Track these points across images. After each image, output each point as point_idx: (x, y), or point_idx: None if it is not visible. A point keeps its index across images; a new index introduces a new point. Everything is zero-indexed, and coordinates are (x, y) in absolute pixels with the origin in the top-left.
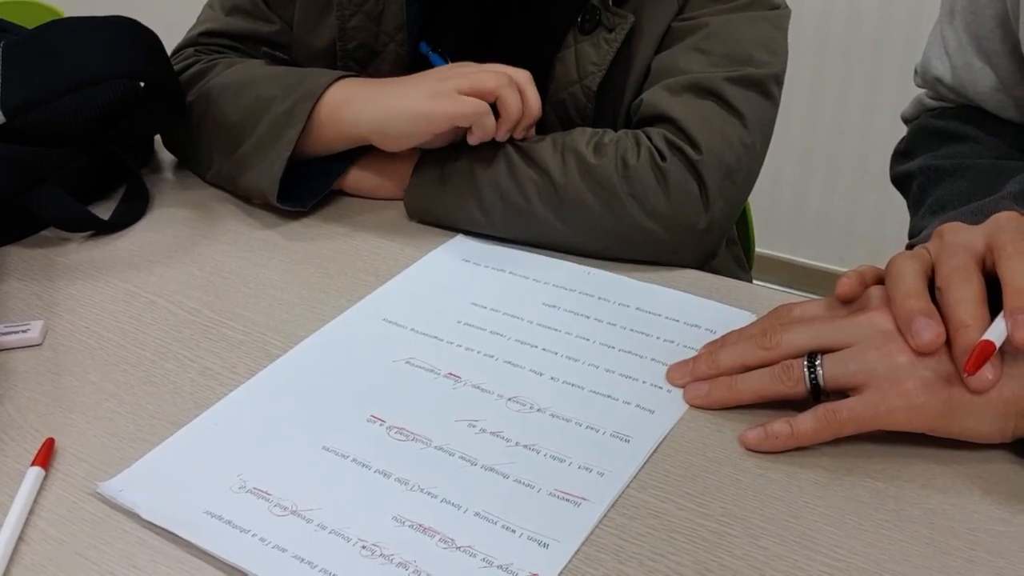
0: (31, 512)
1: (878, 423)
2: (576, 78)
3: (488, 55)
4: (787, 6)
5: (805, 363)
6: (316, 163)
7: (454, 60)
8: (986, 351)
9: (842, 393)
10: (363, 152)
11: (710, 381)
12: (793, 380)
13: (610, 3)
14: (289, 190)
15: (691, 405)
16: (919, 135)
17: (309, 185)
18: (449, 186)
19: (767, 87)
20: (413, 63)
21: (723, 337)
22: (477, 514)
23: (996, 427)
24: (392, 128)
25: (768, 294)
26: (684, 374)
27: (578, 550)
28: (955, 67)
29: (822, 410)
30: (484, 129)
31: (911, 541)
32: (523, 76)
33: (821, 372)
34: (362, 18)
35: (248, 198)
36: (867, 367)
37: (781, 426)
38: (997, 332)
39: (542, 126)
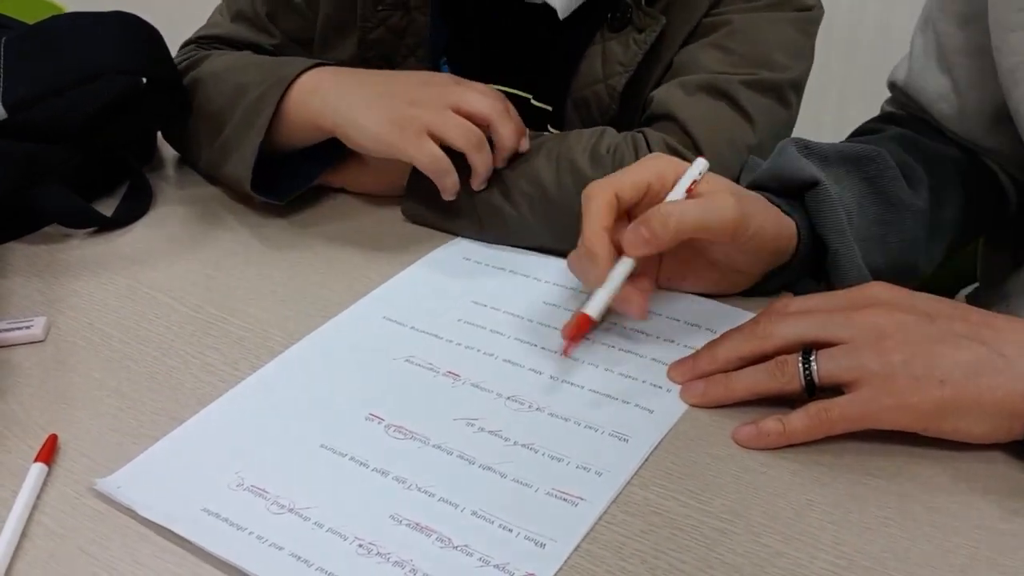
0: (34, 508)
1: (869, 422)
2: (601, 77)
3: (515, 59)
4: (821, 6)
5: (800, 359)
6: (302, 157)
7: (479, 68)
8: (582, 324)
9: (837, 389)
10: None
11: (705, 380)
12: (787, 376)
13: (643, 2)
14: (275, 183)
15: (689, 404)
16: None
17: (295, 181)
18: (442, 204)
19: (783, 93)
20: None
21: (723, 334)
22: (474, 513)
23: (988, 428)
24: (353, 136)
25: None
26: (685, 371)
27: (575, 550)
28: (912, 70)
29: (813, 408)
30: (446, 188)
31: (913, 539)
32: (502, 128)
33: (815, 368)
34: (384, 31)
35: (241, 196)
36: (861, 364)
37: (773, 424)
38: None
39: (561, 123)
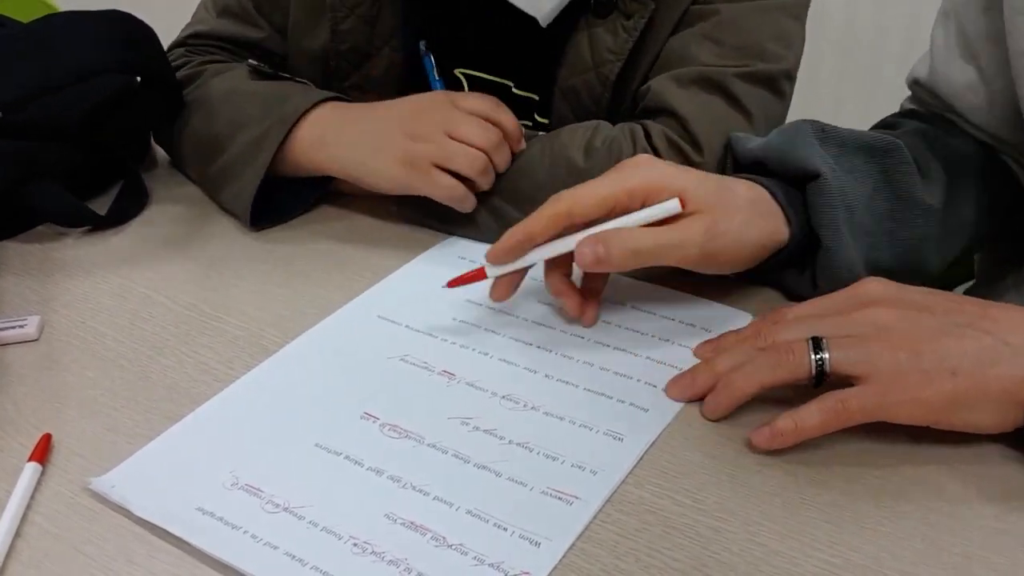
0: (28, 508)
1: (883, 415)
2: (591, 65)
3: (495, 46)
4: None
5: (809, 345)
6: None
7: (457, 58)
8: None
9: (840, 383)
10: None
11: (715, 392)
12: (795, 363)
13: None
14: (269, 197)
15: (711, 419)
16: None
17: (290, 196)
18: (441, 211)
19: (778, 84)
20: (408, 67)
21: (718, 340)
22: (469, 512)
23: (998, 418)
24: (367, 181)
25: (765, 294)
26: (684, 388)
27: (570, 548)
28: (935, 63)
29: (828, 401)
30: (465, 210)
31: (907, 538)
32: (497, 158)
33: (828, 356)
34: (355, 20)
35: None
36: (870, 358)
37: (785, 422)
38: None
39: (549, 112)
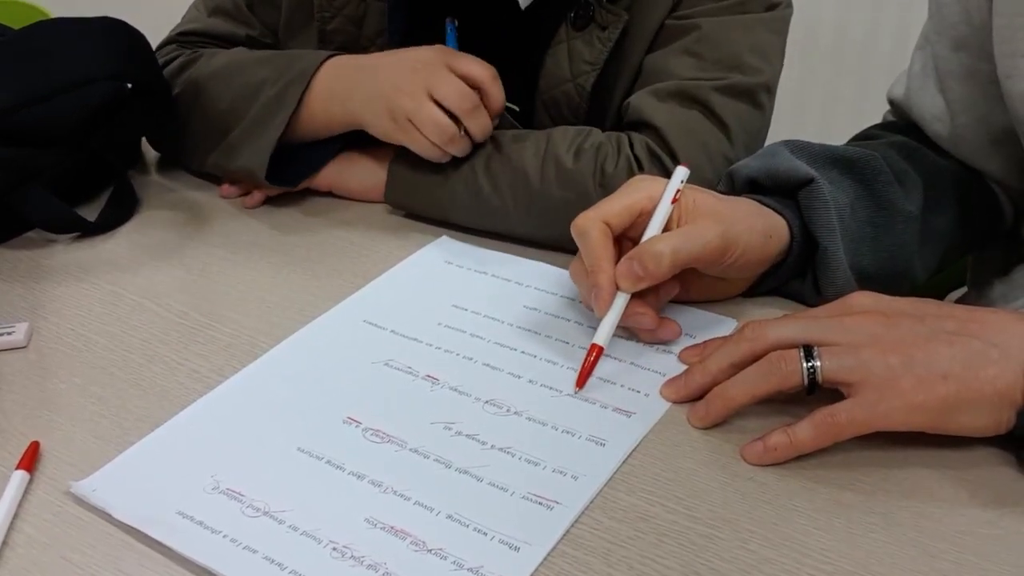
0: (15, 516)
1: (877, 424)
2: (569, 76)
3: (476, 52)
4: (789, 4)
5: (801, 354)
6: (305, 146)
7: None
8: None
9: (832, 392)
10: (351, 150)
11: (705, 400)
12: (787, 371)
13: (604, 0)
14: (278, 171)
15: (699, 427)
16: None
17: (298, 167)
18: (425, 180)
19: (756, 96)
20: None
21: (703, 345)
22: (449, 517)
23: (992, 420)
24: (365, 126)
25: (752, 303)
26: (679, 388)
27: (553, 553)
28: (911, 87)
29: (820, 416)
30: (456, 152)
31: (899, 544)
32: (494, 91)
33: (819, 365)
34: (342, 21)
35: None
36: (863, 365)
37: (779, 437)
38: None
39: (531, 123)
